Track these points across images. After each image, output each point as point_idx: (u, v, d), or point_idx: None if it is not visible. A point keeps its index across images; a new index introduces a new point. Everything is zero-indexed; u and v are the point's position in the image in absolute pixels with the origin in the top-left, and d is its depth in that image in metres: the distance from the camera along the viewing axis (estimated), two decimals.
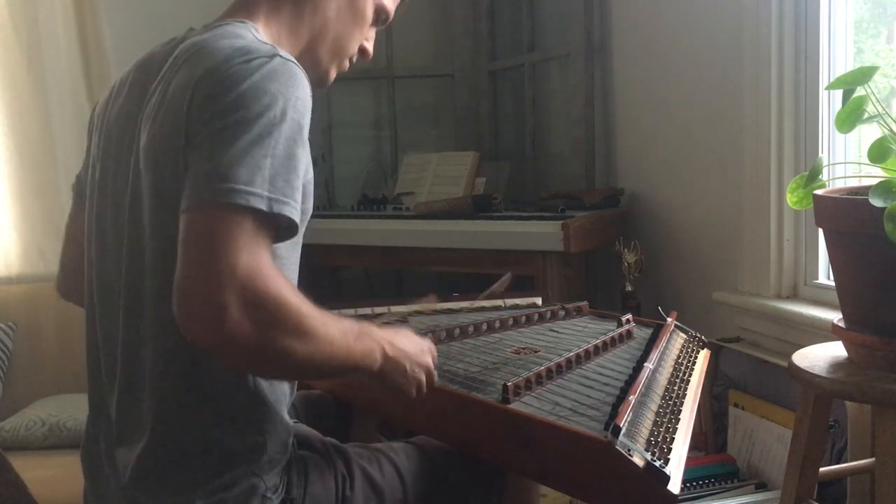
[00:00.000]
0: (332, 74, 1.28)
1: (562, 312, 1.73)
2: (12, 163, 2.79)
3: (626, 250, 2.52)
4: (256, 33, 1.11)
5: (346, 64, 1.29)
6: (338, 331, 1.00)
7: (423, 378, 1.17)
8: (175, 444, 1.07)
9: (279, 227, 0.97)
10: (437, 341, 1.50)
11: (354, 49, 1.28)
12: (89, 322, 1.19)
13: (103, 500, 1.17)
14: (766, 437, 2.04)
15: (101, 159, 1.20)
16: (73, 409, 2.40)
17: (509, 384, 1.19)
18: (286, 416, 1.15)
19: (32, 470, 1.70)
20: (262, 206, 0.93)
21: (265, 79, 0.98)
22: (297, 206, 0.98)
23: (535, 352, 1.44)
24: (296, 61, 1.04)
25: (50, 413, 2.39)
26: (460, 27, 3.38)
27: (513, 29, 3.35)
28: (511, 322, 1.63)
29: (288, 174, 0.97)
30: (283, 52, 1.03)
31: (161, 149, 1.03)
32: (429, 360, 1.18)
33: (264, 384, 1.11)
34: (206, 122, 0.98)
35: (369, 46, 1.30)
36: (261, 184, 0.94)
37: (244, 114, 0.96)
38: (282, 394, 1.15)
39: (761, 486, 2.01)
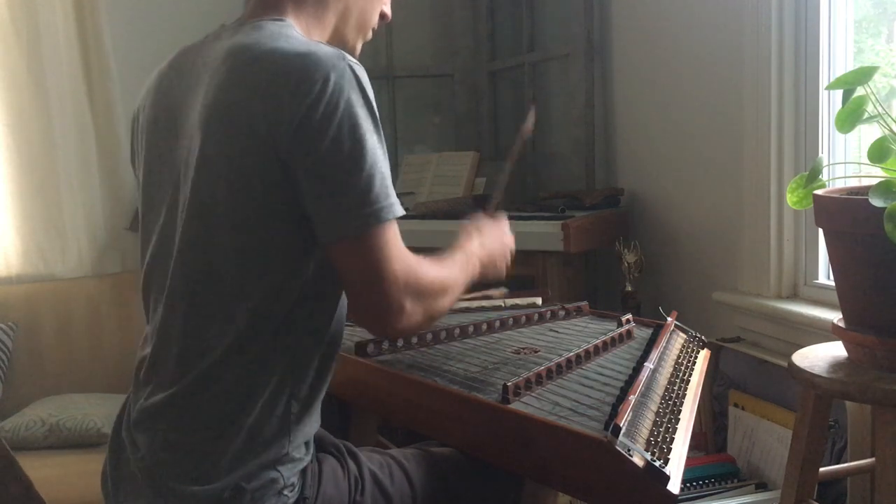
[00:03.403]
0: (359, 48, 1.32)
1: (562, 312, 1.73)
2: (12, 163, 2.79)
3: (626, 250, 2.52)
4: (296, 31, 1.14)
5: (370, 34, 1.32)
6: (459, 270, 1.25)
7: (509, 257, 1.46)
8: (203, 432, 1.09)
9: None
10: (437, 341, 1.50)
11: (377, 19, 1.31)
12: (145, 310, 1.23)
13: (122, 475, 1.18)
14: (766, 437, 2.04)
15: (146, 162, 1.22)
16: (73, 409, 2.41)
17: (509, 384, 1.19)
18: (315, 416, 1.17)
19: (32, 470, 1.69)
20: (400, 210, 1.08)
21: (352, 91, 1.04)
22: None
23: (535, 352, 1.44)
24: (355, 59, 1.08)
25: (50, 413, 2.39)
26: (460, 27, 3.38)
27: (513, 29, 3.35)
28: (511, 322, 1.63)
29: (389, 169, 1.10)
30: (347, 55, 1.07)
31: (222, 162, 1.05)
32: (508, 240, 1.47)
33: (302, 385, 1.13)
34: (319, 151, 1.03)
35: (388, 10, 1.33)
36: (390, 192, 1.08)
37: (354, 138, 1.04)
38: (317, 393, 1.17)
39: (761, 486, 2.01)
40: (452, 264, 1.24)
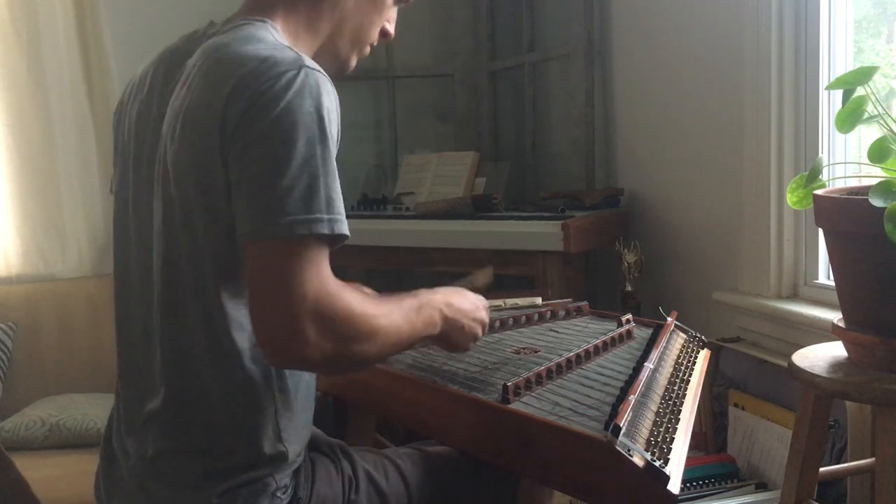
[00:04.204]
0: (353, 62, 1.27)
1: (562, 312, 1.73)
2: (12, 163, 2.79)
3: (626, 250, 2.52)
4: (276, 33, 1.11)
5: (367, 50, 1.27)
6: (401, 315, 1.10)
7: (479, 332, 1.28)
8: (193, 439, 1.08)
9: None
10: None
11: (375, 35, 1.26)
12: (119, 315, 1.22)
13: (114, 482, 1.18)
14: (766, 437, 2.04)
15: (122, 160, 1.21)
16: (73, 409, 2.41)
17: (509, 384, 1.19)
18: (305, 419, 1.16)
19: (32, 470, 1.69)
20: (326, 230, 0.98)
21: (298, 95, 0.99)
22: (345, 217, 1.02)
23: (535, 352, 1.44)
24: (320, 68, 1.04)
25: (50, 413, 2.39)
26: (460, 27, 3.38)
27: (513, 29, 3.35)
28: (511, 322, 1.63)
29: (337, 189, 1.01)
30: (307, 60, 1.03)
31: (192, 163, 1.03)
32: (483, 314, 1.29)
33: (292, 391, 1.12)
34: (247, 148, 0.99)
35: (390, 28, 1.28)
36: (318, 207, 0.98)
37: (286, 137, 0.98)
38: (308, 401, 1.16)
39: (761, 486, 2.01)
40: (395, 308, 1.10)
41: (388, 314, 1.07)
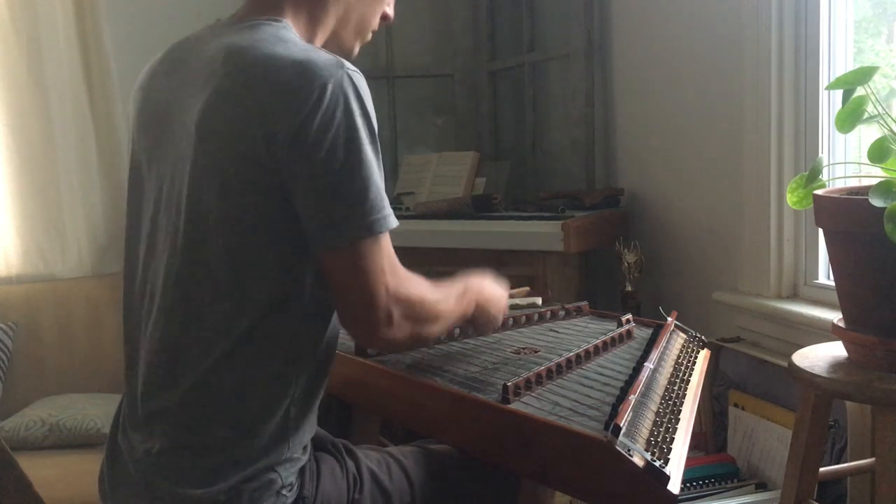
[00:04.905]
0: (357, 50, 1.31)
1: (562, 312, 1.73)
2: (12, 163, 2.79)
3: (626, 250, 2.52)
4: (293, 33, 1.12)
5: (370, 36, 1.31)
6: (454, 301, 1.25)
7: (500, 319, 1.42)
8: (201, 435, 1.08)
9: None
10: (437, 341, 1.50)
11: (377, 21, 1.29)
12: (127, 310, 1.21)
13: (118, 478, 1.18)
14: (766, 437, 2.04)
15: (134, 158, 1.21)
16: (73, 409, 2.41)
17: (509, 384, 1.19)
18: (313, 417, 1.17)
19: (32, 470, 1.69)
20: (393, 224, 1.09)
21: (349, 101, 1.03)
22: None
23: (535, 352, 1.44)
24: (355, 67, 1.07)
25: (50, 413, 2.39)
26: (460, 27, 3.38)
27: (513, 29, 3.35)
28: (511, 322, 1.63)
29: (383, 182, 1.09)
30: (345, 62, 1.06)
31: (227, 170, 1.05)
32: (505, 303, 1.44)
33: (301, 387, 1.12)
34: (311, 159, 1.02)
35: (390, 11, 1.31)
36: (384, 204, 1.08)
37: (351, 144, 1.03)
38: (315, 395, 1.16)
39: (761, 486, 2.01)
40: (449, 294, 1.25)
41: (446, 299, 1.22)
